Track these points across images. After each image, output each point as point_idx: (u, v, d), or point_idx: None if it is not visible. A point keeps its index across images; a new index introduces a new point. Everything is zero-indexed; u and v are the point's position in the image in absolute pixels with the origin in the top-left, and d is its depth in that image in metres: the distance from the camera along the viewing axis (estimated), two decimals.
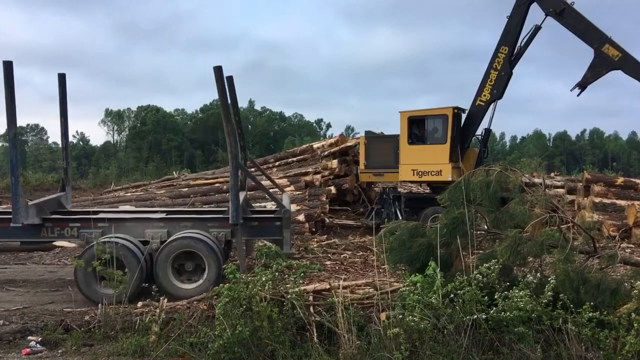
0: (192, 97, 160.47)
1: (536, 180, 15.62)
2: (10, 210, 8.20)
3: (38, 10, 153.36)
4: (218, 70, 8.00)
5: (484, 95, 14.10)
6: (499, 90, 13.97)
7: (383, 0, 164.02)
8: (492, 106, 14.25)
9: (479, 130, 14.82)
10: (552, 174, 25.27)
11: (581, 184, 16.43)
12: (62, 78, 9.94)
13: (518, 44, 13.82)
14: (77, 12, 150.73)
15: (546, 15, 13.28)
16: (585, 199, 15.24)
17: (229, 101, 9.14)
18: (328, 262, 10.26)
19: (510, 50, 13.77)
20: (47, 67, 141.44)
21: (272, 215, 8.88)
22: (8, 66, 7.84)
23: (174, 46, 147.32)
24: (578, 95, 13.07)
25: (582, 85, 12.84)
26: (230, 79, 10.11)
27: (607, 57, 12.42)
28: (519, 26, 13.73)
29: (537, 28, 13.57)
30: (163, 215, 8.90)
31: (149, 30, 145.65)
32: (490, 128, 14.92)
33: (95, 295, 7.51)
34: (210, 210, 11.91)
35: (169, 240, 8.07)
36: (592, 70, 12.69)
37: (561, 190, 17.48)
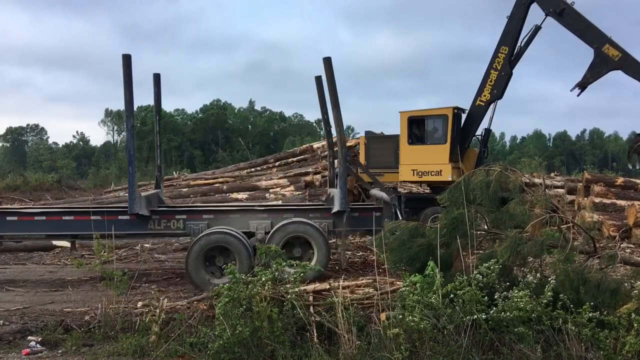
0: (193, 97, 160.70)
1: (536, 180, 15.63)
2: (103, 205, 8.35)
3: (42, 12, 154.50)
4: (327, 61, 8.57)
5: (484, 95, 14.10)
6: (499, 91, 13.97)
7: (383, 3, 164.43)
8: (492, 106, 14.25)
9: (479, 131, 14.83)
10: (552, 174, 25.26)
11: (581, 184, 16.43)
12: (157, 78, 10.25)
13: (518, 44, 13.82)
14: (80, 14, 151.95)
15: (546, 15, 13.28)
16: (585, 199, 15.23)
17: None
18: (334, 262, 10.26)
19: (510, 50, 13.77)
20: (50, 68, 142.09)
21: (373, 206, 9.16)
22: (127, 59, 8.13)
23: (176, 47, 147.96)
24: (578, 95, 13.06)
25: (582, 86, 12.83)
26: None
27: (607, 57, 12.41)
28: (519, 26, 13.73)
29: (537, 28, 13.57)
30: (265, 207, 9.31)
31: (151, 32, 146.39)
32: (490, 128, 14.93)
33: (204, 284, 7.86)
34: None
35: (280, 225, 8.44)
36: (592, 70, 12.68)
37: (561, 191, 17.48)
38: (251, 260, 7.90)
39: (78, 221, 8.70)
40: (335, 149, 10.24)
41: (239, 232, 8.34)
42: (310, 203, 10.51)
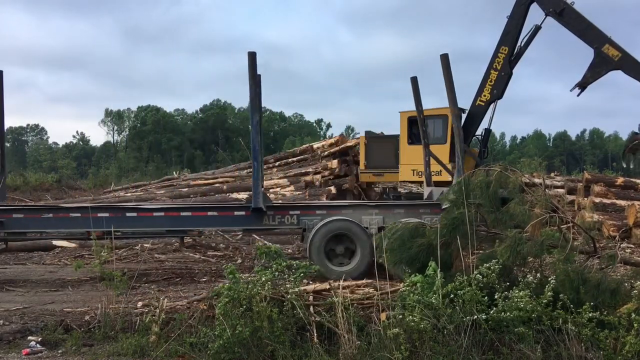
0: (193, 97, 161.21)
1: (536, 180, 15.62)
2: (219, 202, 8.50)
3: (47, 13, 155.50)
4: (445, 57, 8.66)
5: (484, 95, 14.11)
6: (499, 90, 13.98)
7: (383, 6, 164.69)
8: (492, 106, 14.26)
9: (479, 130, 14.84)
10: (552, 174, 25.26)
11: (581, 184, 16.43)
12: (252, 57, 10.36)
13: (518, 44, 13.83)
14: (84, 16, 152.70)
15: (546, 15, 13.28)
16: (585, 199, 15.24)
17: None
18: None
19: (510, 50, 13.78)
20: (52, 69, 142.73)
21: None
22: (252, 57, 8.41)
23: (178, 49, 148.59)
24: (578, 95, 13.05)
25: (582, 85, 12.83)
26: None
27: (607, 57, 12.41)
28: (518, 26, 13.73)
29: (537, 28, 13.57)
30: (377, 203, 9.53)
31: (153, 34, 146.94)
32: (490, 128, 14.94)
33: (329, 273, 8.10)
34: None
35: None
36: (592, 70, 12.68)
37: (561, 191, 17.49)
38: (372, 251, 7.90)
39: (195, 217, 8.95)
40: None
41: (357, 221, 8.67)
42: (422, 200, 10.55)
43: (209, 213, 8.91)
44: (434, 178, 14.44)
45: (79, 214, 8.86)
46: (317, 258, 8.41)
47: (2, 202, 9.67)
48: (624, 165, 12.97)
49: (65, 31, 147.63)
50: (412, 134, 14.81)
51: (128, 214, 8.94)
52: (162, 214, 8.99)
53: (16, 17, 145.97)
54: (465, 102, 15.17)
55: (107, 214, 8.84)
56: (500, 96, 14.09)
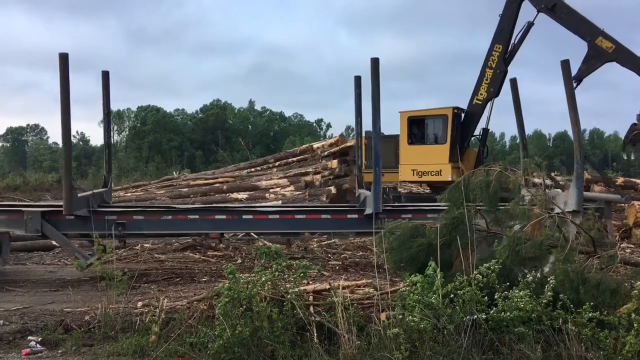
0: (194, 98, 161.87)
1: (536, 180, 15.60)
2: (334, 205, 9.24)
3: (52, 17, 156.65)
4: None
5: (481, 94, 14.16)
6: (495, 88, 14.02)
7: (383, 7, 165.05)
8: (489, 105, 14.28)
9: (477, 130, 14.86)
10: (552, 174, 25.24)
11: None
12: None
13: (512, 42, 13.88)
14: (89, 19, 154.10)
15: (538, 11, 13.35)
16: None
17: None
18: (334, 262, 10.28)
19: (504, 48, 13.85)
20: (56, 70, 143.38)
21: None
22: (375, 63, 8.49)
23: (181, 51, 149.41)
24: (575, 88, 13.09)
25: (578, 79, 12.88)
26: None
27: (601, 50, 12.47)
28: (511, 24, 13.81)
29: (530, 25, 13.64)
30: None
31: (156, 36, 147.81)
32: (488, 128, 14.96)
33: None
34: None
35: None
36: (587, 63, 12.74)
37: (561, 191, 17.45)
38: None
39: (309, 220, 9.03)
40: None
41: None
42: None
43: (323, 216, 8.97)
44: (434, 178, 14.47)
45: (197, 216, 9.03)
46: None
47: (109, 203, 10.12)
48: (625, 158, 13.09)
49: (70, 33, 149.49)
50: (412, 134, 14.82)
51: (244, 217, 9.07)
52: (277, 216, 9.10)
53: (22, 20, 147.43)
54: (464, 103, 15.19)
55: (224, 216, 9.01)
56: (496, 94, 14.13)
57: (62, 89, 8.33)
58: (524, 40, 13.82)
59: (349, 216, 8.98)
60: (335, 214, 9.07)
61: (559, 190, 9.73)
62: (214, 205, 12.35)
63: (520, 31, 13.77)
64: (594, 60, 12.60)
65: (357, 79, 10.27)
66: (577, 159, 8.62)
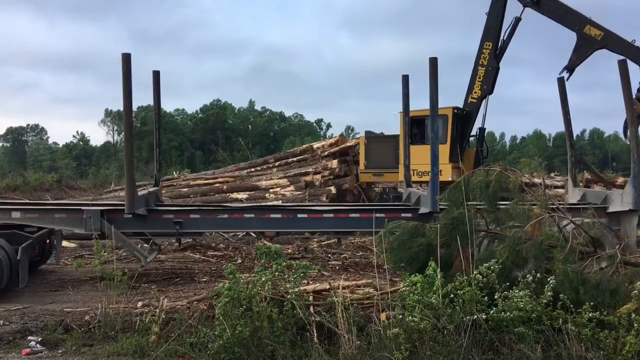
0: (194, 98, 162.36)
1: (536, 180, 15.62)
2: (386, 204, 9.29)
3: (56, 18, 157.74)
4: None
5: (475, 92, 14.23)
6: (488, 85, 14.08)
7: (383, 10, 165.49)
8: (483, 103, 14.34)
9: (474, 130, 14.89)
10: (552, 174, 25.26)
11: (581, 184, 16.40)
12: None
13: (501, 38, 13.97)
14: (93, 20, 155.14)
15: (524, 6, 13.42)
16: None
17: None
18: (334, 262, 10.28)
19: (494, 44, 13.96)
20: (59, 71, 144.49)
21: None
22: (434, 63, 8.47)
23: (182, 51, 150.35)
24: (567, 79, 13.14)
25: (570, 68, 12.92)
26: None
27: (589, 38, 12.52)
28: (498, 20, 13.92)
29: (518, 20, 13.77)
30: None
31: (158, 37, 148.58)
32: (484, 127, 14.99)
33: None
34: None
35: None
36: (578, 52, 12.79)
37: (561, 191, 17.48)
38: None
39: (363, 218, 8.98)
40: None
41: None
42: (585, 202, 9.89)
43: (376, 215, 8.79)
44: None
45: (252, 215, 9.05)
46: None
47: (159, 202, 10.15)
48: (624, 139, 13.19)
49: (73, 34, 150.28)
50: (412, 134, 14.82)
51: (299, 215, 9.09)
52: (331, 215, 9.11)
53: (25, 20, 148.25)
54: (460, 103, 15.22)
55: (279, 215, 9.05)
56: (490, 91, 14.20)
57: (124, 88, 8.43)
58: (512, 36, 13.94)
59: (402, 215, 8.89)
60: (389, 213, 8.99)
61: (607, 189, 9.65)
62: (269, 204, 12.45)
63: (508, 27, 13.91)
64: (584, 49, 12.66)
65: (405, 79, 10.36)
66: (635, 157, 8.61)
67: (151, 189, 10.25)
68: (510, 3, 13.83)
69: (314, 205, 10.30)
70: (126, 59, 8.37)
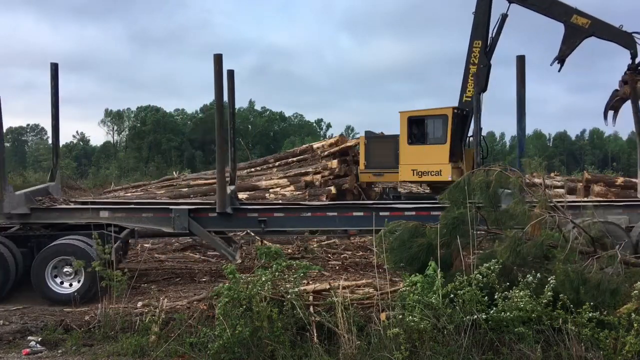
0: (195, 98, 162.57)
1: (536, 180, 15.61)
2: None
3: (60, 20, 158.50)
4: None
5: (469, 91, 14.23)
6: (481, 83, 14.09)
7: (383, 11, 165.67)
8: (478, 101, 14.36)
9: (470, 132, 14.90)
10: (552, 174, 25.25)
11: (581, 184, 16.45)
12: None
13: (490, 35, 14.01)
14: (95, 22, 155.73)
15: (510, 2, 13.45)
16: (585, 199, 15.23)
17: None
18: (334, 262, 10.28)
19: (483, 42, 13.99)
20: (61, 72, 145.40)
21: None
22: (522, 60, 8.92)
23: (183, 52, 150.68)
24: (559, 70, 13.14)
25: (561, 59, 12.92)
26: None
27: (577, 27, 12.55)
28: (486, 18, 13.97)
29: (505, 16, 13.80)
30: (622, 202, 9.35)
31: (160, 38, 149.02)
32: (481, 126, 15.00)
33: None
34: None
35: None
36: (567, 42, 12.79)
37: (561, 191, 17.49)
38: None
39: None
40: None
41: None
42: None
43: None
44: (434, 178, 14.46)
45: (335, 213, 9.07)
46: None
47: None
48: (606, 125, 13.16)
49: (75, 35, 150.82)
50: (412, 134, 14.82)
51: (381, 213, 8.98)
52: (413, 213, 8.97)
53: (28, 21, 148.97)
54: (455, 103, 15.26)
55: (361, 213, 9.03)
56: (484, 89, 14.20)
57: (216, 86, 8.69)
58: (500, 33, 14.03)
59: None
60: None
61: None
62: (352, 202, 12.51)
63: (495, 24, 13.97)
64: (572, 39, 12.67)
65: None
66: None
67: (231, 188, 10.17)
68: (496, 0, 13.94)
69: (395, 203, 10.22)
70: (217, 59, 8.54)
